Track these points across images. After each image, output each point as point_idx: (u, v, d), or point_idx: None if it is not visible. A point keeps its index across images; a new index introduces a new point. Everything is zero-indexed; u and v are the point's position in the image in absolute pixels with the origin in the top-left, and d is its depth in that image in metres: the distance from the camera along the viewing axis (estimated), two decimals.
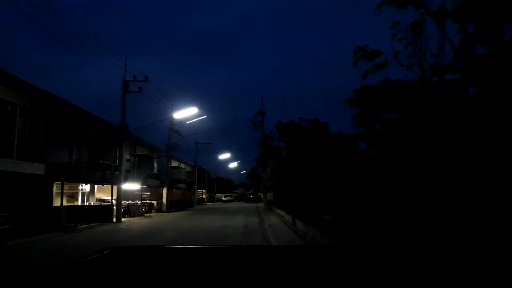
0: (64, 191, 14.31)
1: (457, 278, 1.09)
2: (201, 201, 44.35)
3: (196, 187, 40.15)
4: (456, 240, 3.07)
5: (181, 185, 32.70)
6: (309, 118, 17.25)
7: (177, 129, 27.36)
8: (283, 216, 15.69)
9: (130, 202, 19.64)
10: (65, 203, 14.50)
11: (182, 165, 37.85)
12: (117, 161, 17.69)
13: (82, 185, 17.68)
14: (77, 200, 17.49)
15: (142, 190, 21.92)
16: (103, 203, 17.95)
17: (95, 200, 18.73)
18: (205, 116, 31.37)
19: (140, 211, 19.97)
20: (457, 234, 3.07)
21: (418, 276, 1.11)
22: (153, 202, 24.05)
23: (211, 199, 53.49)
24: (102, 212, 15.86)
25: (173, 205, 27.25)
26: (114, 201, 16.94)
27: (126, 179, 18.28)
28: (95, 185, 18.58)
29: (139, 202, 20.88)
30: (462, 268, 1.21)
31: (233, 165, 58.42)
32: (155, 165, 26.81)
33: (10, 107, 11.77)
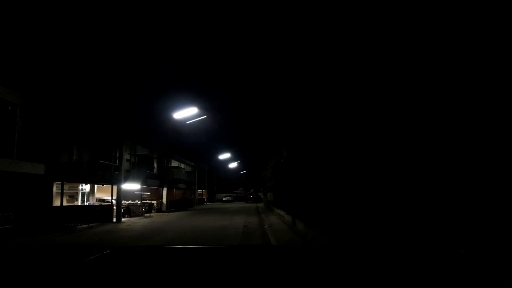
0: (64, 191, 14.33)
1: (458, 279, 1.08)
2: (201, 201, 44.33)
3: (196, 187, 40.13)
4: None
5: (181, 185, 32.68)
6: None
7: (177, 129, 27.38)
8: (283, 216, 15.68)
9: (130, 202, 19.65)
10: (65, 203, 14.52)
11: (182, 165, 37.83)
12: (117, 161, 17.71)
13: (82, 185, 17.69)
14: (77, 200, 17.50)
15: (142, 190, 21.94)
16: (103, 203, 17.96)
17: (95, 200, 18.74)
18: (205, 116, 31.41)
19: (140, 211, 19.98)
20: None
21: (417, 278, 1.11)
22: (153, 202, 24.06)
23: (211, 199, 53.49)
24: (102, 212, 15.86)
25: (173, 205, 27.25)
26: (114, 201, 16.94)
27: (126, 179, 18.29)
28: (95, 185, 18.59)
29: (139, 202, 20.90)
30: (462, 268, 1.21)
31: (233, 165, 58.45)
32: (155, 165, 26.82)
33: (10, 107, 11.79)
